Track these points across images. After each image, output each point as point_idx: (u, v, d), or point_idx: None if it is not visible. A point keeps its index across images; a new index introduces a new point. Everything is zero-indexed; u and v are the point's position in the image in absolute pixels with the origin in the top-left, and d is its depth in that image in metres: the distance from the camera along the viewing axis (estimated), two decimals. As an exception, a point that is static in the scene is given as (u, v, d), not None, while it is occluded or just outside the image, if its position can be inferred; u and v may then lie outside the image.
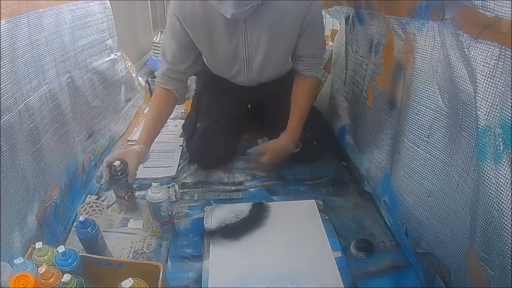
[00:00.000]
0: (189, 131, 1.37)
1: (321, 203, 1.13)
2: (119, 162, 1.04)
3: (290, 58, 1.22)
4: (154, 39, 2.52)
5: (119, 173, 1.04)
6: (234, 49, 1.11)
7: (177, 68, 1.16)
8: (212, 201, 1.18)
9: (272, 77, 1.24)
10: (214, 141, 1.27)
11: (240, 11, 0.92)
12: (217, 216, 1.08)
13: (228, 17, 0.93)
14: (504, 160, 0.51)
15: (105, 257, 0.82)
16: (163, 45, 1.18)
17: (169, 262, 0.95)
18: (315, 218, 1.06)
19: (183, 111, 1.92)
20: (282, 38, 1.10)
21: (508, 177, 0.50)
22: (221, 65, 1.21)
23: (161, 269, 0.72)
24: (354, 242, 0.96)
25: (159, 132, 1.20)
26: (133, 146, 1.09)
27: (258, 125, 1.49)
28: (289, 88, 1.23)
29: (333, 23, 1.97)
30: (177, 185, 1.22)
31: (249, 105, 1.49)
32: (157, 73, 1.20)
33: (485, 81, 0.53)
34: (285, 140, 1.21)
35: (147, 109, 1.38)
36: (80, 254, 0.73)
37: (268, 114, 1.38)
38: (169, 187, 1.20)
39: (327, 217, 1.07)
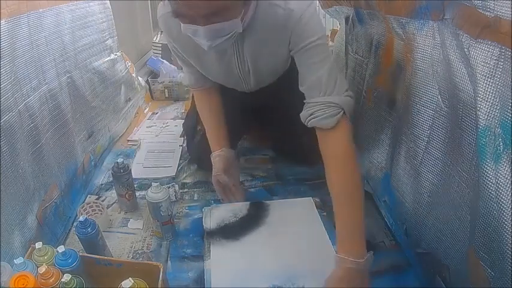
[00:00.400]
0: (189, 132, 1.37)
1: (318, 199, 1.13)
2: (122, 159, 1.04)
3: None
4: (154, 39, 2.51)
5: (121, 170, 1.04)
6: (227, 67, 0.99)
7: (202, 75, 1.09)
8: (212, 201, 1.18)
9: (273, 80, 1.22)
10: None
11: (216, 43, 0.78)
12: (215, 216, 1.07)
13: (206, 49, 0.79)
14: (504, 160, 0.51)
15: (105, 257, 0.82)
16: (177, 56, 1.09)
17: (169, 262, 0.95)
18: (313, 215, 1.07)
19: (183, 111, 1.92)
20: (275, 52, 0.93)
21: (508, 177, 0.50)
22: (217, 80, 1.14)
23: (161, 269, 0.72)
24: None
25: (225, 125, 1.15)
26: (218, 154, 1.10)
27: (258, 126, 1.49)
28: (291, 83, 1.21)
29: (333, 23, 1.97)
30: (177, 185, 1.22)
31: (249, 106, 1.49)
32: (189, 81, 1.13)
33: (485, 81, 0.53)
34: (340, 266, 0.75)
35: (191, 113, 1.26)
36: (80, 254, 0.73)
37: (269, 114, 1.38)
38: (169, 187, 1.21)
39: (325, 213, 1.07)
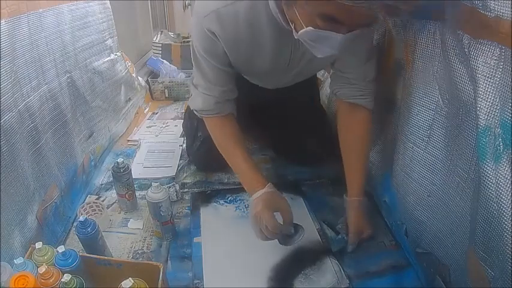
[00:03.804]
0: (190, 135, 1.35)
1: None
2: (122, 159, 1.04)
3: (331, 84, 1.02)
4: (154, 39, 2.52)
5: (121, 170, 1.04)
6: (278, 61, 0.93)
7: (226, 88, 0.95)
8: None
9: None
10: (215, 151, 1.09)
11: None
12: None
13: (318, 55, 0.73)
14: (504, 160, 0.51)
15: (105, 257, 0.82)
16: (200, 71, 0.92)
17: (169, 262, 0.95)
18: (304, 214, 1.10)
19: (183, 111, 1.92)
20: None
21: (508, 177, 0.50)
22: (254, 75, 1.07)
23: (161, 269, 0.72)
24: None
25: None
26: (267, 192, 0.93)
27: (259, 125, 1.49)
28: (294, 91, 1.19)
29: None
30: (177, 185, 1.22)
31: (249, 110, 1.47)
32: (204, 104, 0.95)
33: (485, 81, 0.53)
34: (353, 206, 0.98)
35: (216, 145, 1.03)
36: (80, 254, 0.73)
37: (270, 114, 1.37)
38: (169, 187, 1.21)
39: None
